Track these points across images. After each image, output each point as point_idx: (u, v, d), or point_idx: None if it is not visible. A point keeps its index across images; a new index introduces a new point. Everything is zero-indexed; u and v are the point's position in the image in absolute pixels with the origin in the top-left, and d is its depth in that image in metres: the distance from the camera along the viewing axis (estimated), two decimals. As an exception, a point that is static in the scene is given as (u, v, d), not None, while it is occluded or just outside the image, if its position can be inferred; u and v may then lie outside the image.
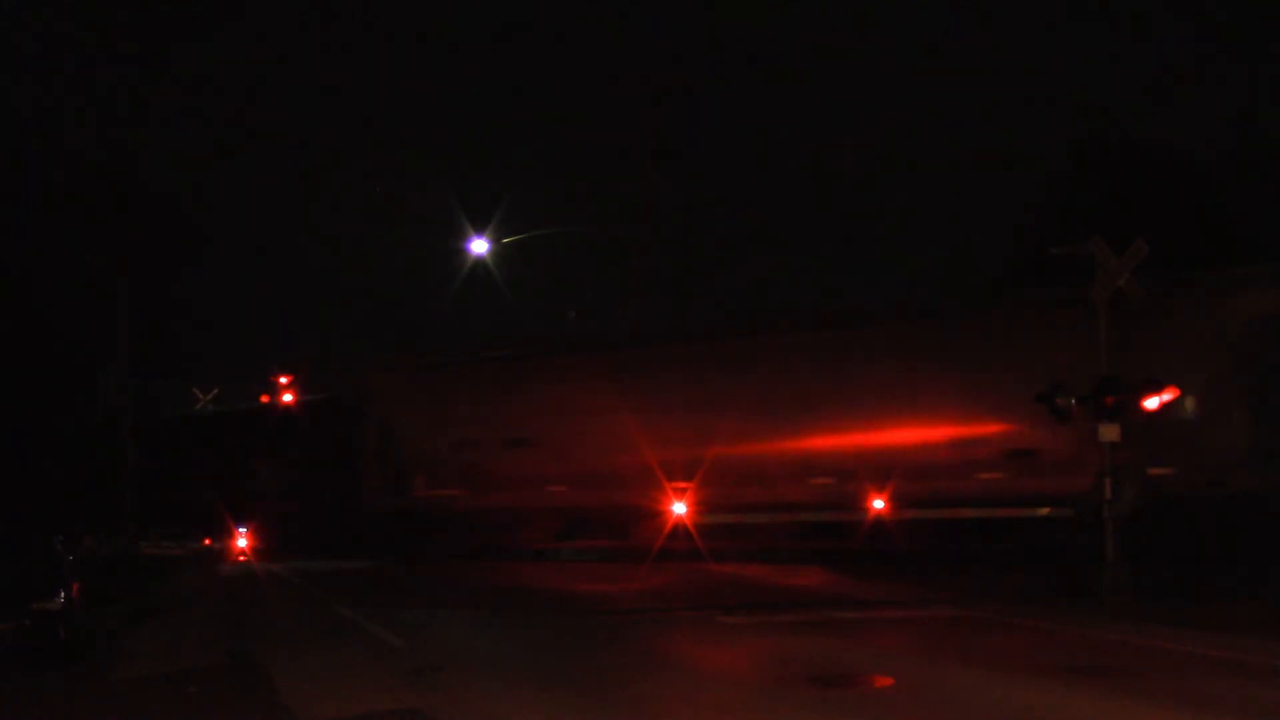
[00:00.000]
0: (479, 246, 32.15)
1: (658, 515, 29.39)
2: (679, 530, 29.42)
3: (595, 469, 30.18)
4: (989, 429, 25.94)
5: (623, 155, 51.32)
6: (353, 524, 35.36)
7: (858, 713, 11.52)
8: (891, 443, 26.85)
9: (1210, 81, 57.65)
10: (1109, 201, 34.81)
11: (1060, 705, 11.49)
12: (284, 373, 42.65)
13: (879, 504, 27.19)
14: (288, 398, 42.49)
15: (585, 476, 30.39)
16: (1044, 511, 25.25)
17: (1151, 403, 20.39)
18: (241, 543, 38.56)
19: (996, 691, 12.19)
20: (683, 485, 28.99)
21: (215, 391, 52.59)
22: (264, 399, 44.35)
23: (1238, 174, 37.66)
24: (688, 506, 29.11)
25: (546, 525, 32.12)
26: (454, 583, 27.06)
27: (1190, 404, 23.56)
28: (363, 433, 35.27)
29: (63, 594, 16.76)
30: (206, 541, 41.40)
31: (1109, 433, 19.98)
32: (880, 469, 26.80)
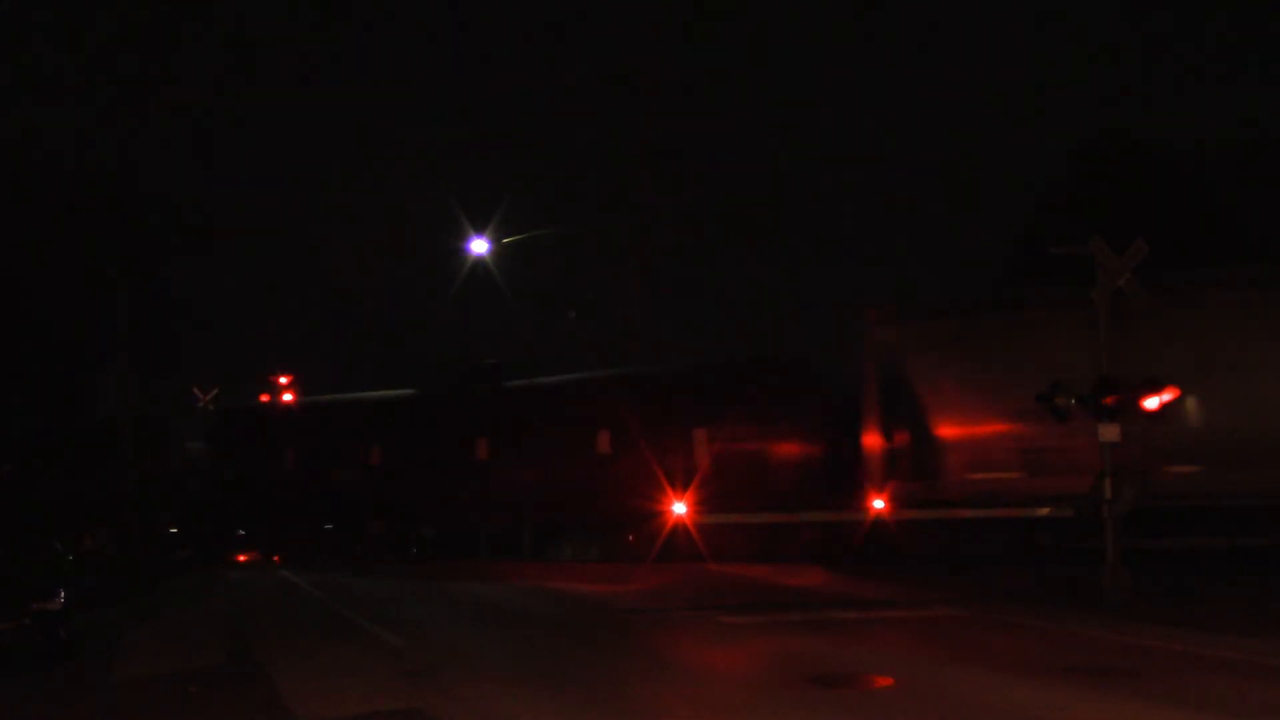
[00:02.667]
0: (479, 246, 32.08)
1: (658, 515, 29.25)
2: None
3: (1249, 439, 23.60)
4: None
5: (623, 155, 51.31)
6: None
7: (858, 713, 11.51)
8: None
9: (1211, 81, 57.74)
10: (1110, 201, 34.79)
11: (1060, 705, 11.48)
12: (283, 373, 42.41)
13: (879, 504, 26.80)
14: (287, 397, 42.32)
15: (1234, 450, 23.63)
16: (1044, 511, 25.18)
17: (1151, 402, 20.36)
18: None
19: (996, 691, 12.18)
20: None
21: (215, 391, 52.69)
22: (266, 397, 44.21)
23: (1238, 173, 37.65)
24: None
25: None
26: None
27: None
28: (862, 399, 28.00)
29: (63, 594, 16.79)
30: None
31: (1108, 433, 19.94)
32: None
